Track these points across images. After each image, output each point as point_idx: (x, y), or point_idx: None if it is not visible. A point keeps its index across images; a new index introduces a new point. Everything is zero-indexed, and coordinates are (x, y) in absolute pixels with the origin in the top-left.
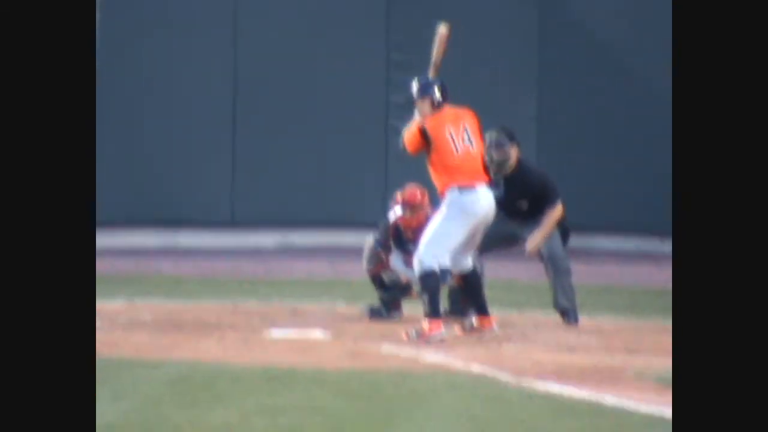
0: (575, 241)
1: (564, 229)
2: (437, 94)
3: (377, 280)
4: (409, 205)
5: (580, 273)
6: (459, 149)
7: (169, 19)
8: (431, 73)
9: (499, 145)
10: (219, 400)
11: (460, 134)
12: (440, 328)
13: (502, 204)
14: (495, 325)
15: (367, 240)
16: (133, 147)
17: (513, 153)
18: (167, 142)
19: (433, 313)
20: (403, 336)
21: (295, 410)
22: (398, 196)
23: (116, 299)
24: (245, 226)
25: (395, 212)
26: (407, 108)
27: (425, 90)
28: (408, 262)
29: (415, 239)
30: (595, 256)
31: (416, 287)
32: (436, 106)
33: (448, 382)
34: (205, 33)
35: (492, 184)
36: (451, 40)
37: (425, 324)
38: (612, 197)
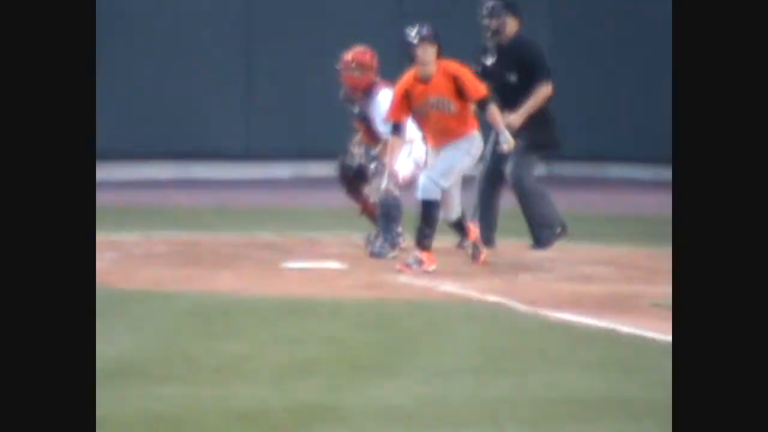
0: (590, 169)
1: (554, 141)
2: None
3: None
4: (359, 63)
5: (595, 202)
6: None
7: None
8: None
9: (494, 12)
10: (235, 332)
11: None
12: (434, 260)
13: (492, 74)
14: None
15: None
16: (146, 79)
17: (511, 23)
18: (180, 74)
19: (429, 244)
20: (399, 268)
21: (312, 341)
22: (347, 55)
23: (132, 231)
24: (260, 158)
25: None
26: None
27: (436, 37)
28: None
29: (362, 102)
30: (610, 185)
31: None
32: (439, 56)
33: (465, 313)
34: None
35: (484, 50)
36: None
37: (422, 255)
38: (626, 126)
